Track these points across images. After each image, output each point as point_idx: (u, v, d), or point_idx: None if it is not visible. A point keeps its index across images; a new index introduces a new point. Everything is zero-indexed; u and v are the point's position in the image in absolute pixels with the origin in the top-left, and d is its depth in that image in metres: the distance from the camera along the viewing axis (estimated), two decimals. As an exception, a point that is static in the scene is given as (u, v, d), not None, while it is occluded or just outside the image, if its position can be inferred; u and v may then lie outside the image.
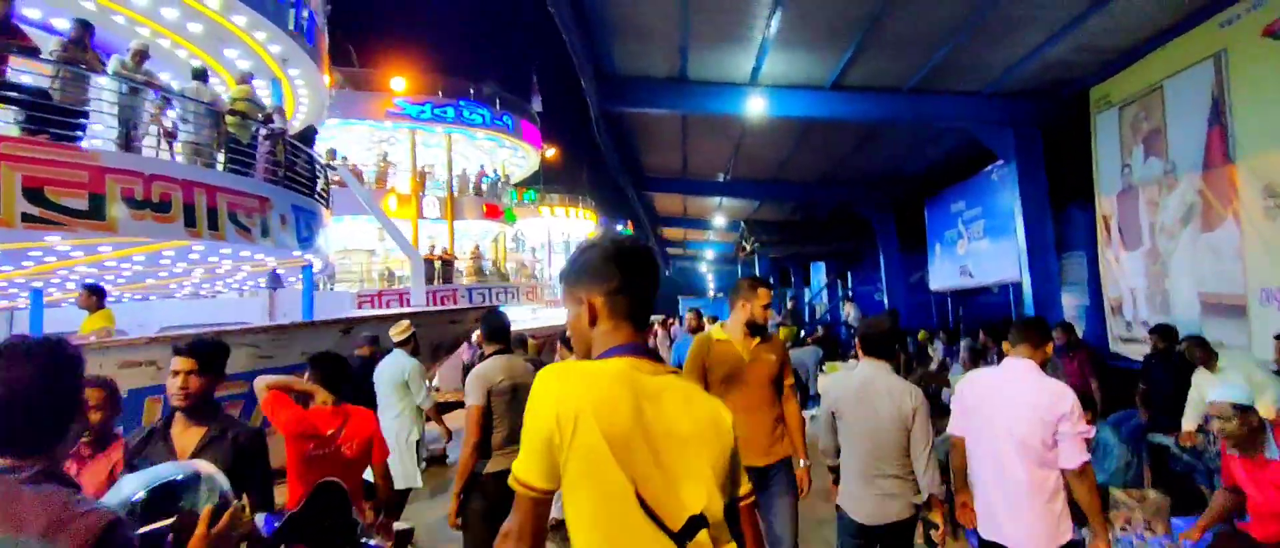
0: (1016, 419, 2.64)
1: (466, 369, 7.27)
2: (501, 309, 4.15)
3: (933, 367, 9.82)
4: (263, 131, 7.86)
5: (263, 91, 10.20)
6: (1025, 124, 8.58)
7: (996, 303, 14.06)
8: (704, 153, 13.03)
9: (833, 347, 13.28)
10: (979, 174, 11.05)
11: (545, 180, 34.71)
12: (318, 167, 9.62)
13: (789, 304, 16.49)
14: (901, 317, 12.86)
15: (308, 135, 9.30)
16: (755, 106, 8.33)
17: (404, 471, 4.77)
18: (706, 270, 41.59)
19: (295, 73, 10.24)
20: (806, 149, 12.07)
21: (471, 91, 20.86)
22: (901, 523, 2.83)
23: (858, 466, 2.88)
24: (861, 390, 2.92)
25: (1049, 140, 8.71)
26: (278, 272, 10.81)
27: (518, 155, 24.46)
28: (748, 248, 17.43)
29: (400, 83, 19.19)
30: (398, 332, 5.35)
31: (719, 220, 18.24)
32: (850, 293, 17.76)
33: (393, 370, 5.08)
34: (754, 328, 3.20)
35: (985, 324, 8.14)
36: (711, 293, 41.51)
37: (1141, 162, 6.93)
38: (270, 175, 8.06)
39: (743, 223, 17.55)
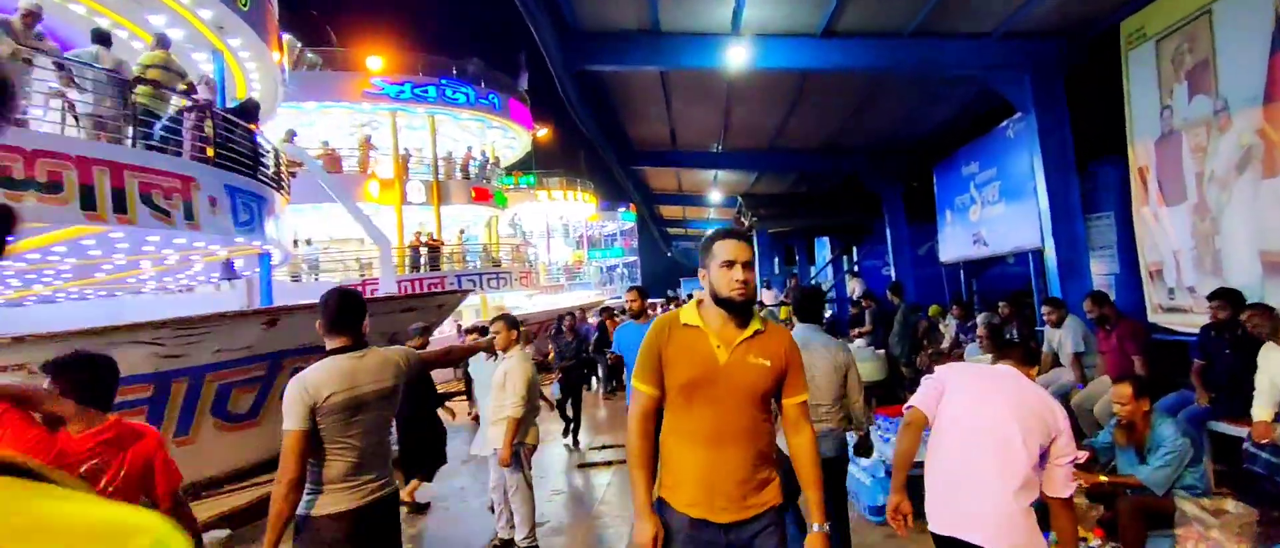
0: (1007, 415, 2.45)
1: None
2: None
3: (944, 345, 8.92)
4: (185, 104, 7.02)
5: (205, 66, 9.36)
6: (1044, 69, 7.58)
7: (1012, 274, 13.09)
8: (693, 122, 12.08)
9: (833, 326, 12.41)
10: (992, 131, 10.05)
11: (541, 164, 33.81)
12: (263, 145, 8.78)
13: (791, 282, 15.56)
14: (909, 291, 11.96)
15: (249, 110, 8.45)
16: (737, 57, 7.38)
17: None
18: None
19: (236, 43, 9.38)
20: (803, 114, 11.10)
21: (454, 70, 19.92)
22: (832, 459, 3.20)
23: None
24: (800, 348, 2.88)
25: (1072, 88, 7.72)
26: (232, 262, 10.03)
27: (507, 136, 23.54)
28: (746, 223, 16.48)
29: (377, 62, 18.30)
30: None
31: (715, 196, 17.29)
32: (855, 268, 16.78)
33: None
34: (732, 308, 2.09)
35: (1006, 295, 7.24)
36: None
37: (1185, 101, 5.95)
38: (199, 154, 7.23)
39: (739, 198, 16.58)
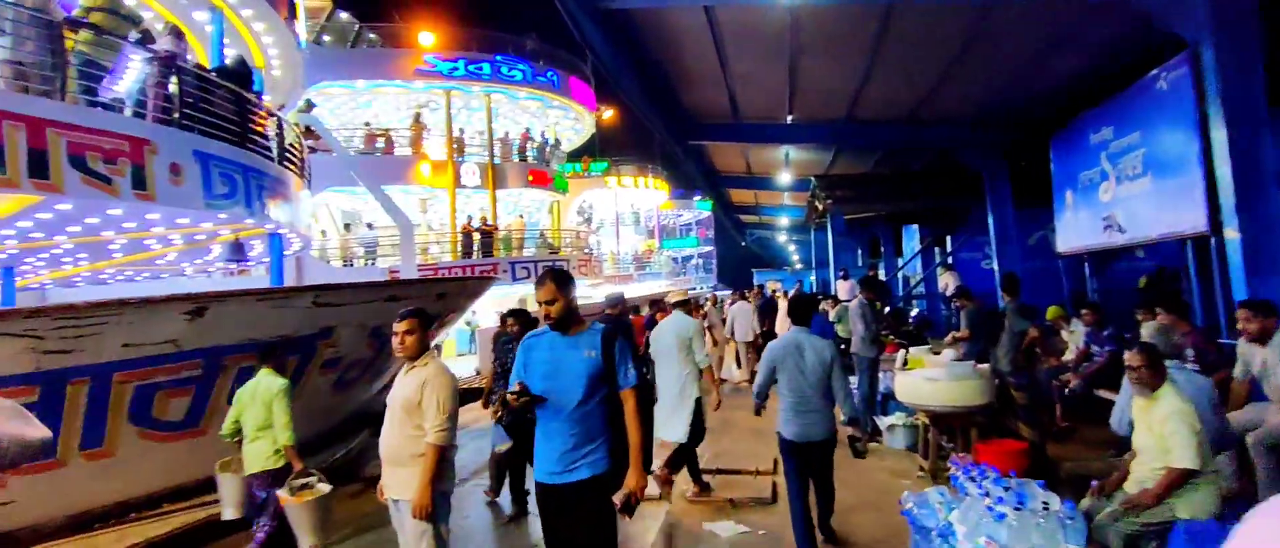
0: None
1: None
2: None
3: (1067, 356, 6.94)
4: (141, 54, 6.11)
5: (207, 27, 8.61)
6: (1230, -14, 5.50)
7: (1142, 268, 10.65)
8: (755, 84, 10.39)
9: (918, 331, 10.50)
10: (1135, 85, 7.85)
11: (610, 150, 32.54)
12: (254, 111, 7.87)
13: (870, 272, 13.54)
14: (1022, 289, 9.90)
15: (238, 73, 7.55)
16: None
17: (677, 426, 4.98)
18: (786, 241, 38.26)
19: (248, 14, 8.55)
20: (884, 72, 9.21)
21: (511, 47, 18.92)
22: (822, 441, 3.92)
23: (791, 400, 3.91)
24: (793, 348, 3.95)
25: (1269, 10, 5.59)
26: (243, 244, 9.27)
27: (569, 117, 22.40)
28: (820, 209, 14.55)
29: (429, 37, 17.51)
30: (677, 295, 5.81)
31: (785, 177, 15.42)
32: (948, 260, 14.49)
33: (679, 328, 5.19)
34: None
35: (1165, 297, 5.25)
36: (794, 265, 38.13)
37: None
38: (163, 115, 6.31)
39: (813, 180, 14.66)
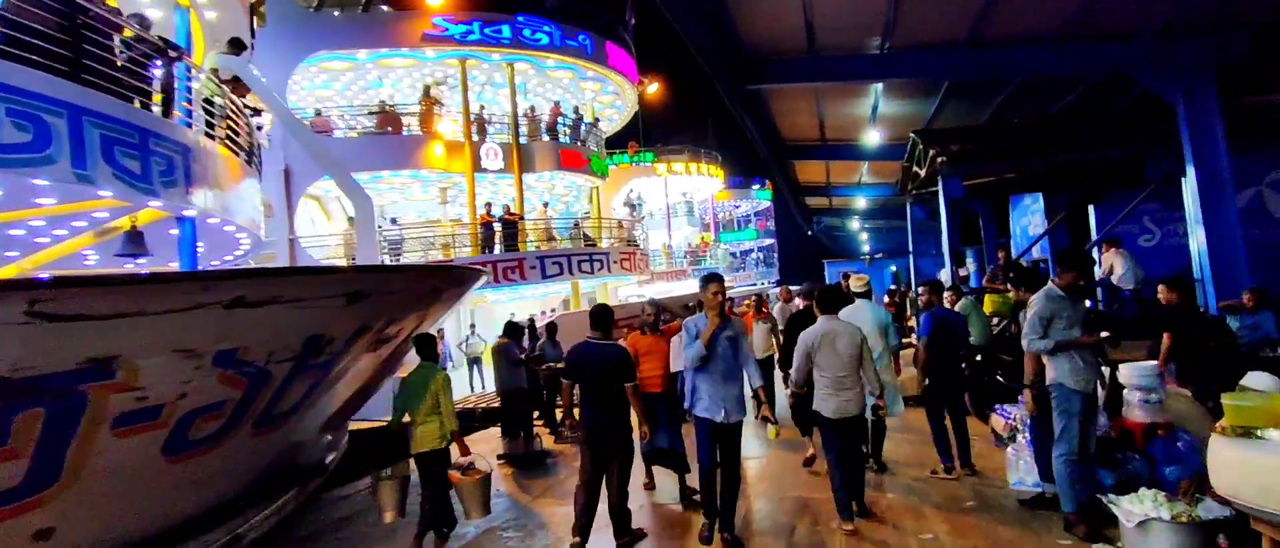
0: None
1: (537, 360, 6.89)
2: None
3: None
4: None
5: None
6: None
7: None
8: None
9: (1098, 322, 7.19)
10: None
11: (650, 133, 29.43)
12: (98, 26, 5.33)
13: (1001, 257, 9.98)
14: (1225, 269, 6.49)
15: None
16: None
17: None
18: (859, 228, 34.28)
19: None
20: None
21: (532, 5, 16.21)
22: (856, 417, 4.38)
23: (827, 381, 4.32)
24: (827, 336, 4.34)
25: None
26: (136, 230, 6.80)
27: (608, 91, 19.56)
28: (921, 173, 11.14)
29: (436, -4, 14.96)
30: (858, 283, 5.72)
31: (873, 138, 12.08)
32: (1115, 235, 10.72)
33: (878, 316, 5.41)
34: None
35: None
36: (867, 255, 34.07)
37: None
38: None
39: (914, 137, 11.23)
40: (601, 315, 4.59)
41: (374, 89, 17.18)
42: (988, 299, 9.20)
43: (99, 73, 5.08)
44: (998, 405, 6.45)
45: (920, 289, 6.22)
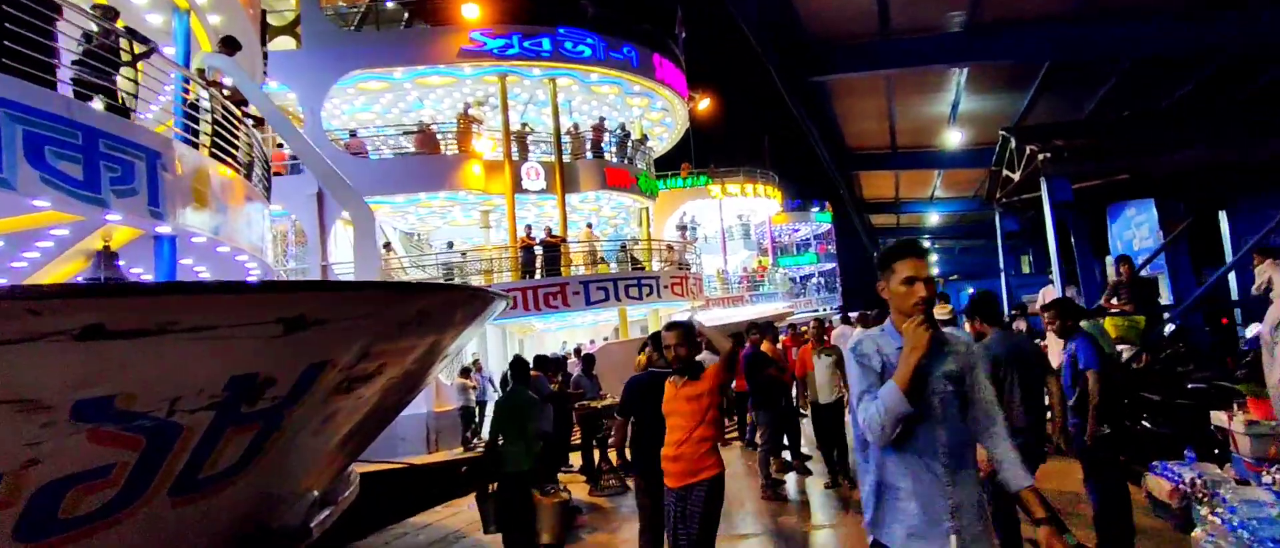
0: None
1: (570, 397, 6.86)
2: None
3: None
4: None
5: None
6: None
7: None
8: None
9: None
10: None
11: (701, 153, 28.19)
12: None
13: (1123, 270, 8.17)
14: None
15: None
16: None
17: None
18: (930, 248, 32.02)
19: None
20: None
21: (571, 17, 15.39)
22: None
23: None
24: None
25: None
26: (108, 249, 6.04)
27: (657, 107, 18.57)
28: (1014, 178, 9.51)
29: (473, 9, 14.33)
30: (942, 311, 5.65)
31: (953, 138, 10.53)
32: (1272, 244, 8.76)
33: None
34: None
35: None
36: (941, 278, 31.73)
37: None
38: None
39: (1005, 134, 9.60)
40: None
41: (415, 110, 16.71)
42: (1109, 323, 7.60)
43: (23, 57, 4.28)
44: (1158, 463, 4.87)
45: (1045, 311, 4.74)
